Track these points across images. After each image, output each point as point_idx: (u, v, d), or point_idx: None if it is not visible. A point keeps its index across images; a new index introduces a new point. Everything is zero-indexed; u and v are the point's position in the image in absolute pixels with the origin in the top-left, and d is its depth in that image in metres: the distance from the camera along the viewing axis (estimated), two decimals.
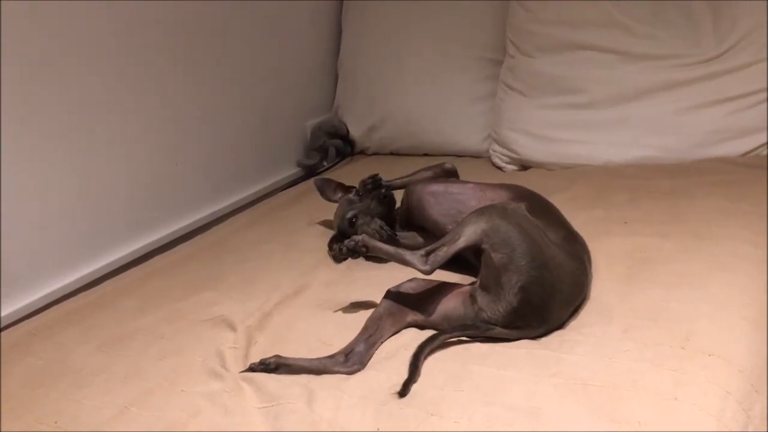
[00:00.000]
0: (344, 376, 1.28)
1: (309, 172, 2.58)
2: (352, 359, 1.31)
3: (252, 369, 1.33)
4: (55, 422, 1.27)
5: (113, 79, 1.93)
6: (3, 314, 1.71)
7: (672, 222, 1.69)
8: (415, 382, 1.22)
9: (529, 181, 2.13)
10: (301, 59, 2.61)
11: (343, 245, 1.42)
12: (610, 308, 1.38)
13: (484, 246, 1.33)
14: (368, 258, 1.69)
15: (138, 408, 1.27)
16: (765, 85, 2.02)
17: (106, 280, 1.84)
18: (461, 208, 1.58)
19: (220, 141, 2.29)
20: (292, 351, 1.38)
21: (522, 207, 1.43)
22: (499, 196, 1.58)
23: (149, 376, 1.36)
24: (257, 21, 2.37)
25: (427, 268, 1.34)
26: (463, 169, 2.30)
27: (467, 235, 1.34)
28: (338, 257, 1.46)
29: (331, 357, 1.32)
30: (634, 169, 2.05)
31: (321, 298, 1.59)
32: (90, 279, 1.89)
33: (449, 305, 1.38)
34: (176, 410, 1.25)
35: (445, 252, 1.35)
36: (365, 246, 1.40)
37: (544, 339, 1.32)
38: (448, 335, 1.32)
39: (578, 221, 1.73)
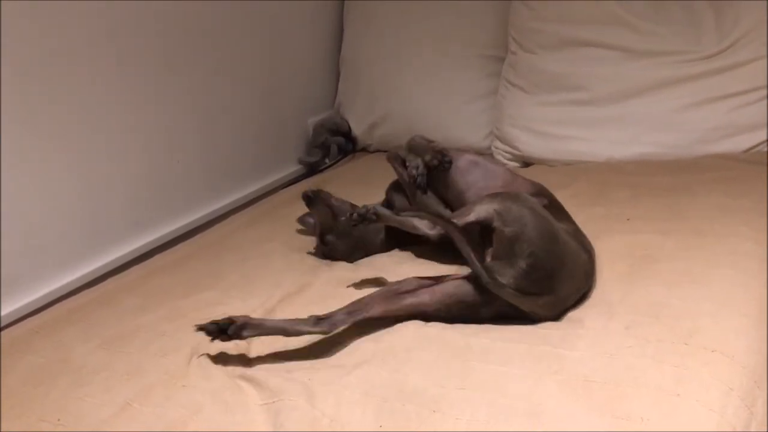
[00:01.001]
0: (345, 371, 1.27)
1: (310, 169, 2.58)
2: (323, 322, 1.31)
3: (206, 329, 1.30)
4: (58, 419, 1.26)
5: (113, 77, 1.93)
6: (4, 313, 1.72)
7: (673, 219, 1.69)
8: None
9: (530, 177, 2.13)
10: (303, 57, 2.61)
11: (354, 212, 1.46)
12: (612, 305, 1.38)
13: (496, 224, 1.37)
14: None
15: (139, 405, 1.27)
16: (766, 82, 2.02)
17: (108, 278, 1.84)
18: (488, 184, 1.62)
19: (221, 139, 2.29)
20: (295, 345, 1.38)
21: (534, 199, 1.47)
22: (524, 188, 1.60)
23: (150, 374, 1.36)
24: (259, 19, 2.37)
25: (434, 232, 1.42)
26: None
27: (478, 212, 1.39)
28: (348, 223, 1.49)
29: (302, 319, 1.32)
30: (635, 165, 2.05)
31: (323, 296, 1.58)
32: (91, 277, 1.89)
33: (454, 282, 1.38)
34: (177, 407, 1.25)
35: (455, 223, 1.38)
36: (375, 213, 1.45)
37: (545, 335, 1.32)
38: (459, 226, 1.36)
39: (579, 218, 1.73)
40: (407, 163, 1.68)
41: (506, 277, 1.33)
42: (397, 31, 2.56)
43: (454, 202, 1.65)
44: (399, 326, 1.39)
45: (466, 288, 1.36)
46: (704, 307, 1.33)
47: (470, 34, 2.46)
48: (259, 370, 1.32)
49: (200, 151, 2.22)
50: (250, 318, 1.32)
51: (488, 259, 1.39)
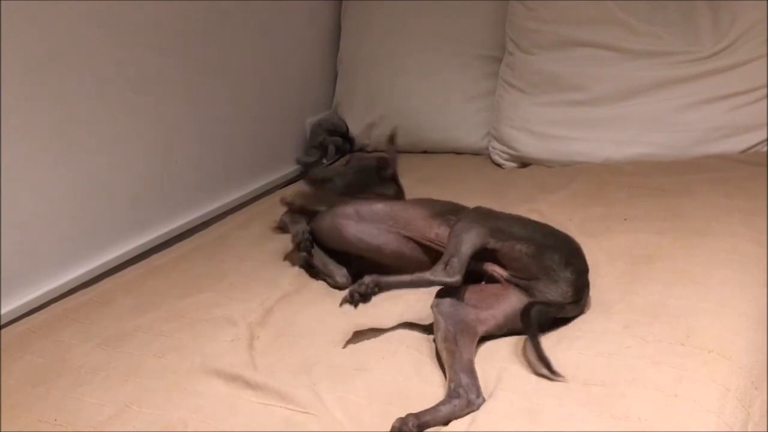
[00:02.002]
0: (349, 376, 1.27)
1: (308, 169, 2.58)
2: (470, 394, 1.17)
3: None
4: (55, 420, 1.26)
5: (111, 77, 1.93)
6: (2, 312, 1.71)
7: (671, 219, 1.69)
8: (543, 357, 1.21)
9: (528, 178, 2.14)
10: (301, 57, 2.61)
11: (354, 290, 1.32)
12: (610, 305, 1.38)
13: (492, 246, 1.36)
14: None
15: (138, 406, 1.27)
16: (764, 82, 2.03)
17: (105, 278, 1.84)
18: (380, 225, 1.56)
19: (219, 139, 2.28)
20: (295, 345, 1.39)
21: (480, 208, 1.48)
22: (416, 213, 1.55)
23: (149, 374, 1.36)
24: (257, 19, 2.37)
25: (456, 278, 1.31)
26: (463, 166, 2.33)
27: (470, 242, 1.35)
28: (352, 302, 1.33)
29: (454, 398, 1.16)
30: (633, 166, 2.05)
31: (321, 295, 1.59)
32: (89, 277, 1.88)
33: (513, 302, 1.34)
34: (177, 408, 1.25)
35: (458, 260, 1.33)
36: (377, 285, 1.32)
37: (544, 336, 1.32)
38: (538, 307, 1.30)
39: (578, 218, 1.74)
40: (290, 231, 1.68)
41: (561, 295, 1.33)
42: (395, 31, 2.55)
43: (354, 252, 1.61)
44: (398, 328, 1.40)
45: (524, 305, 1.33)
46: (702, 307, 1.33)
47: (468, 34, 2.45)
48: (261, 372, 1.31)
49: (198, 151, 2.22)
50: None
51: (503, 273, 1.37)
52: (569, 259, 1.36)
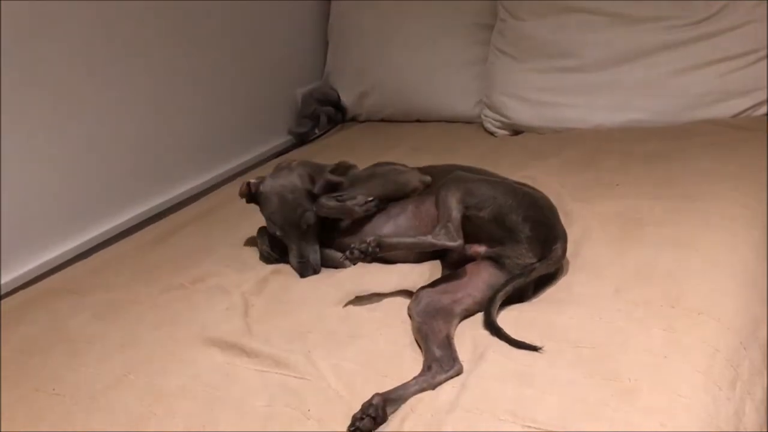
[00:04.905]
0: (343, 343, 1.28)
1: (300, 140, 2.57)
2: (444, 365, 1.18)
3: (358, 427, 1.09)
4: (53, 389, 1.28)
5: (101, 49, 1.92)
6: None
7: (662, 184, 1.70)
8: (510, 338, 1.21)
9: (520, 145, 2.14)
10: (291, 26, 2.59)
11: (355, 247, 1.30)
12: (601, 269, 1.39)
13: (467, 213, 1.38)
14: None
15: (135, 375, 1.28)
16: (755, 47, 2.02)
17: (100, 250, 1.84)
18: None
19: (210, 110, 2.28)
20: (289, 312, 1.40)
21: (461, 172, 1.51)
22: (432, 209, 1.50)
23: (145, 344, 1.37)
24: None
25: (459, 242, 1.34)
26: (455, 134, 2.33)
27: (455, 207, 1.38)
28: (352, 260, 1.32)
29: (428, 370, 1.17)
30: (624, 132, 2.06)
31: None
32: (83, 249, 1.89)
33: (484, 277, 1.35)
34: (174, 376, 1.26)
35: (453, 225, 1.36)
36: (379, 245, 1.31)
37: (534, 301, 1.34)
38: (502, 292, 1.30)
39: (570, 184, 1.75)
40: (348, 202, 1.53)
41: (525, 254, 1.33)
42: None
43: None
44: (391, 297, 1.41)
45: (500, 277, 1.33)
46: (692, 270, 1.35)
47: (459, 1, 2.44)
48: (257, 339, 1.32)
49: (189, 123, 2.21)
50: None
51: (481, 249, 1.38)
52: (527, 213, 1.36)
